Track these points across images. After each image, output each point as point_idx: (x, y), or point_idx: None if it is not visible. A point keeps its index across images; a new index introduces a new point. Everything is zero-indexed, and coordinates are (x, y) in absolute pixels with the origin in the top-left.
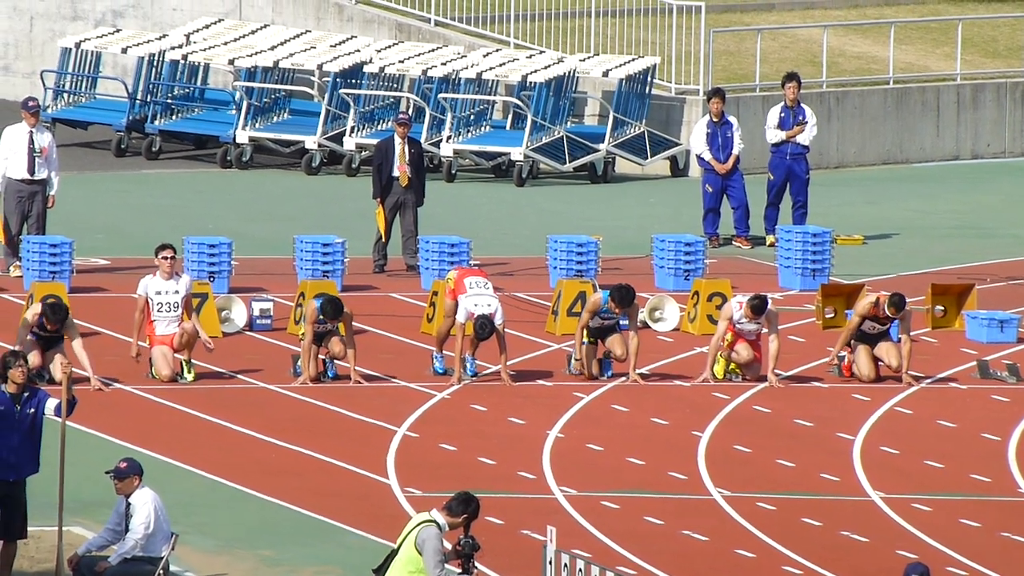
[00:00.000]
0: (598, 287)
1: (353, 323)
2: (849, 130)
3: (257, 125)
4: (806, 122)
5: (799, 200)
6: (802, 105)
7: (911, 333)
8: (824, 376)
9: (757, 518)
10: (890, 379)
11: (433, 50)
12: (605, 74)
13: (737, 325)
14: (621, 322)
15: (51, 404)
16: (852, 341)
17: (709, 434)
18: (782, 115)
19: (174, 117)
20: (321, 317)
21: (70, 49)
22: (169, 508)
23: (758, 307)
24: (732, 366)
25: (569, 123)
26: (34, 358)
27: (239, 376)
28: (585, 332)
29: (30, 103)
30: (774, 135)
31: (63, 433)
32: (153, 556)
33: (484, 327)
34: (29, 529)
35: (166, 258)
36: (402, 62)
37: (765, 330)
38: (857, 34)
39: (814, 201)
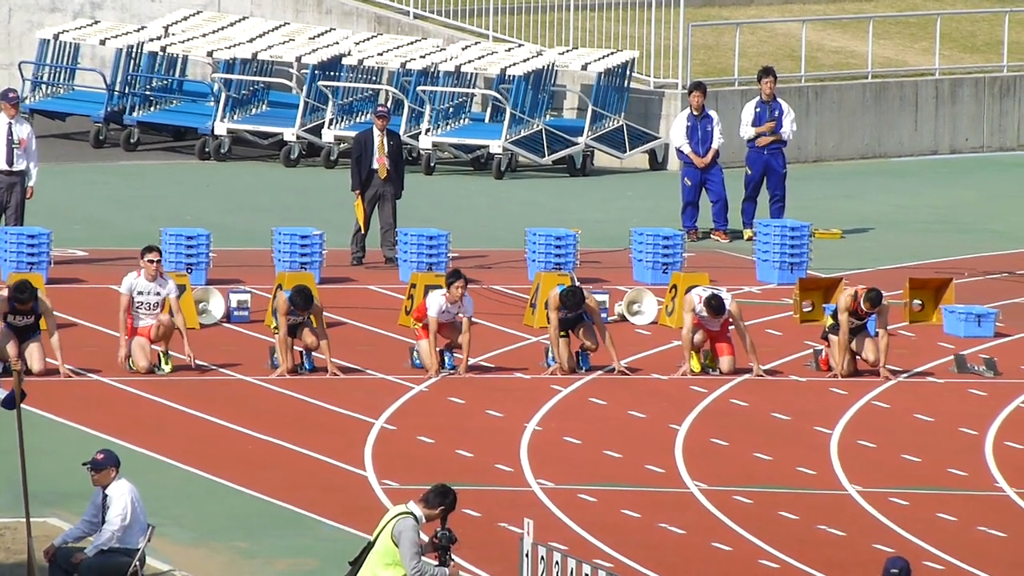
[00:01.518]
0: (576, 280)
1: (324, 314)
2: (827, 124)
3: (235, 117)
4: (774, 119)
5: (777, 194)
6: (778, 100)
7: (888, 327)
8: (801, 370)
9: (734, 511)
10: (867, 373)
11: (412, 43)
12: (584, 68)
13: (700, 316)
14: (584, 314)
15: (1, 394)
16: (828, 335)
17: (686, 427)
18: (757, 110)
19: (152, 109)
20: (291, 308)
21: (48, 40)
22: (146, 500)
23: (717, 308)
24: (709, 359)
25: (548, 116)
26: (11, 349)
27: (217, 368)
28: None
29: (11, 94)
30: (746, 131)
31: (19, 425)
32: (130, 548)
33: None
34: (5, 521)
35: (152, 261)
36: (381, 55)
37: (731, 327)
38: (836, 29)
39: (792, 195)
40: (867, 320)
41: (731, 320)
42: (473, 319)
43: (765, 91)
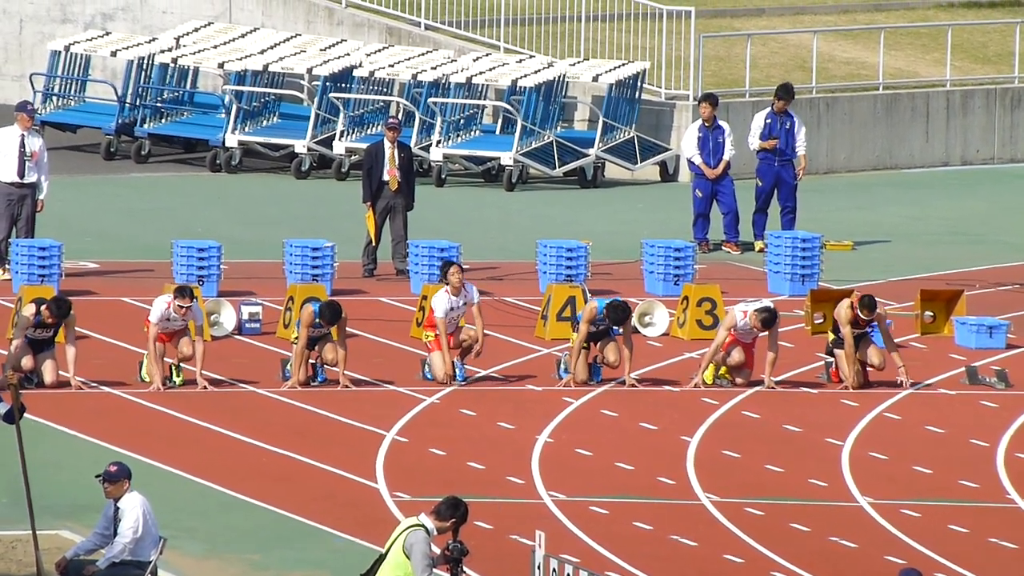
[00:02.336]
0: (588, 292)
1: (347, 328)
2: (839, 136)
3: (246, 129)
4: (777, 135)
5: (788, 206)
6: (790, 112)
7: (897, 340)
8: (812, 382)
9: (746, 523)
10: (879, 385)
11: (423, 54)
12: (595, 79)
13: (738, 332)
14: (613, 327)
15: (1, 408)
16: (834, 350)
17: (698, 439)
18: (768, 120)
19: (163, 120)
20: (318, 321)
21: (59, 52)
22: (157, 512)
23: (768, 320)
24: (722, 371)
25: (559, 128)
26: (26, 362)
27: (228, 380)
28: (576, 336)
29: (28, 107)
30: (753, 143)
31: (19, 438)
32: (141, 560)
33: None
34: (15, 534)
35: (181, 306)
36: (392, 66)
37: (763, 333)
38: (847, 39)
39: (803, 207)
40: (869, 329)
41: (770, 333)
42: (480, 302)
43: (778, 105)
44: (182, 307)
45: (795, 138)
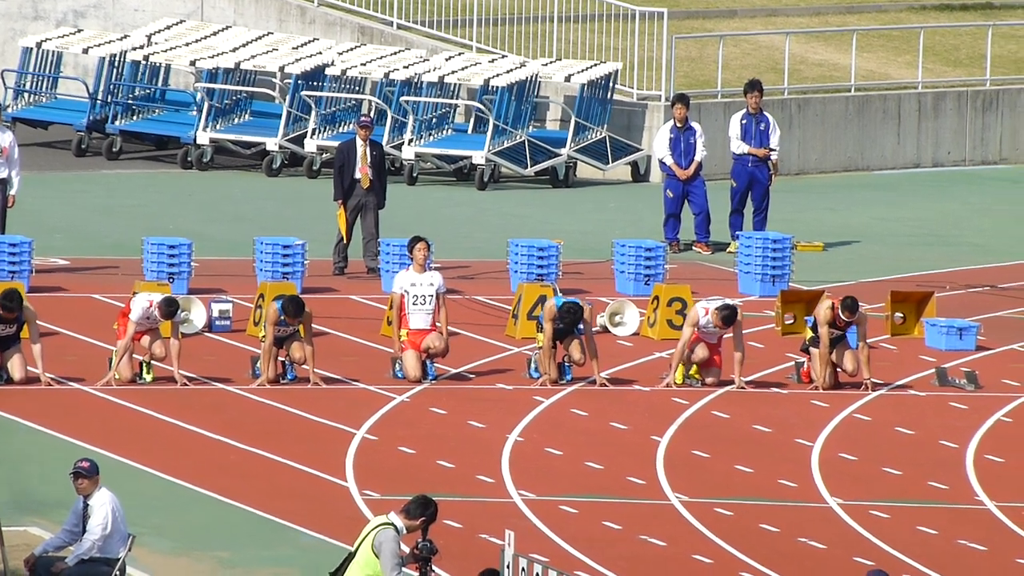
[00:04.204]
0: (559, 291)
1: (313, 325)
2: (810, 137)
3: (218, 126)
4: (773, 149)
5: (760, 206)
6: (764, 113)
7: (868, 339)
8: (783, 382)
9: (715, 523)
10: (849, 385)
11: (395, 53)
12: (567, 79)
13: (701, 330)
14: (579, 326)
15: None
16: (809, 348)
17: (668, 439)
18: (743, 122)
19: (135, 118)
20: (283, 318)
21: (31, 49)
22: (126, 509)
23: (728, 318)
24: (693, 371)
25: (531, 127)
26: None
27: (199, 377)
28: (542, 336)
29: None
30: (738, 146)
31: None
32: (110, 557)
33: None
34: None
35: (169, 315)
36: (364, 65)
37: (729, 335)
38: (819, 41)
39: (774, 207)
40: (847, 331)
41: (734, 331)
42: (444, 292)
43: (751, 104)
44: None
45: (769, 139)
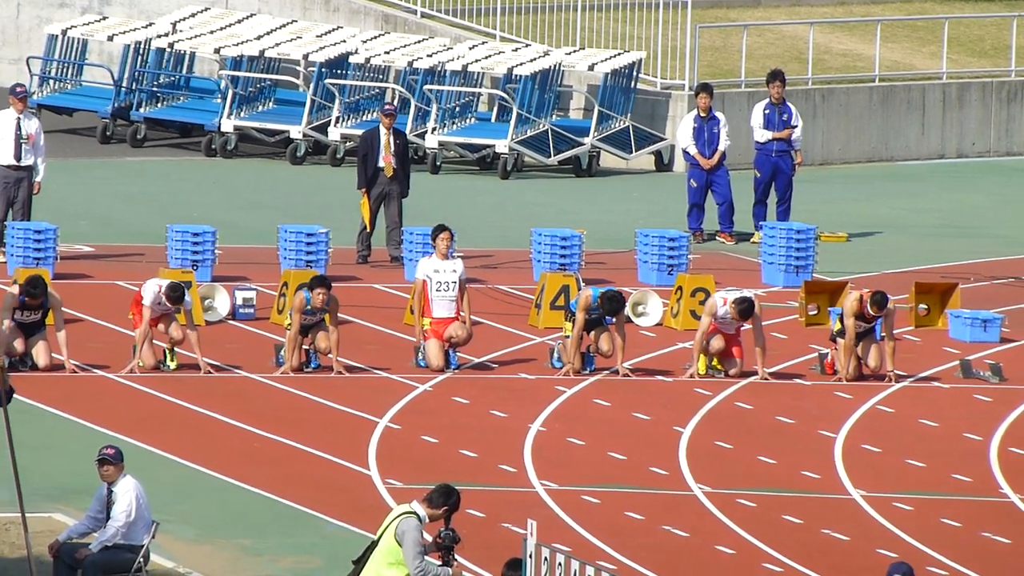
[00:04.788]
0: (581, 281)
1: (338, 313)
2: (834, 128)
3: (242, 114)
4: (794, 125)
5: (785, 196)
6: (787, 103)
7: (894, 332)
8: (806, 373)
9: (737, 514)
10: (873, 377)
11: (419, 41)
12: (591, 68)
13: (719, 321)
14: (607, 316)
15: None
16: (836, 338)
17: (691, 430)
18: (766, 112)
19: (159, 105)
20: (308, 297)
21: (56, 36)
22: (150, 496)
23: (745, 311)
24: (715, 362)
25: (554, 116)
26: (18, 345)
27: (222, 365)
28: (571, 325)
29: (18, 89)
30: (761, 134)
31: (7, 422)
32: (134, 544)
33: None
34: (7, 516)
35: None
36: (388, 53)
37: (748, 326)
38: (843, 31)
39: (798, 198)
40: (874, 324)
41: (751, 321)
42: (465, 279)
43: (774, 94)
44: (175, 306)
45: (793, 131)
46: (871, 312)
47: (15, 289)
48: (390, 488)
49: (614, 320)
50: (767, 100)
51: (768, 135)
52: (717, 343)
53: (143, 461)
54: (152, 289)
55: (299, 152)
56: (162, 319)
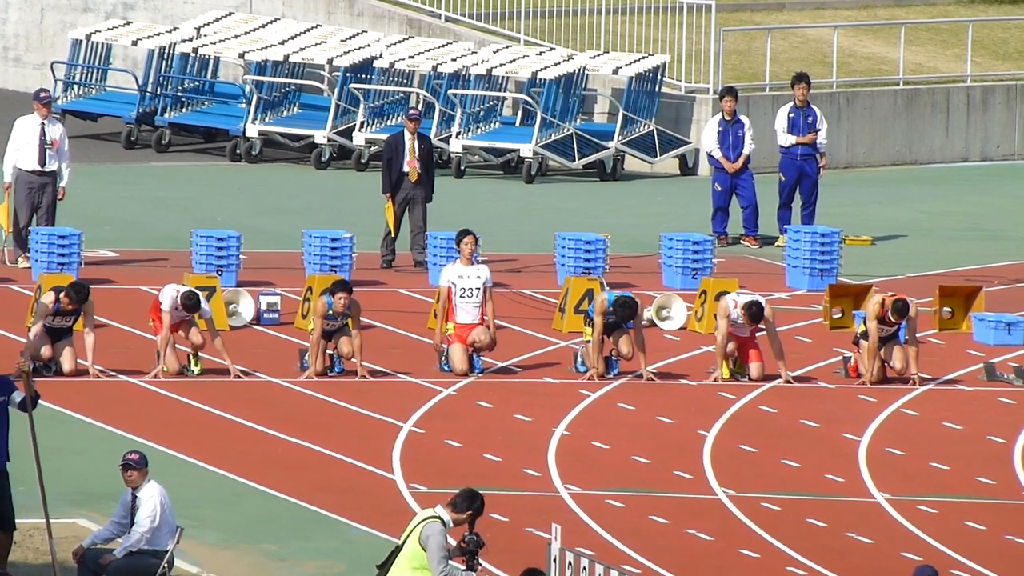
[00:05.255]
0: (606, 285)
1: (361, 318)
2: (859, 131)
3: (267, 119)
4: (818, 129)
5: (809, 199)
6: (811, 106)
7: (917, 335)
8: (830, 377)
9: (762, 518)
10: (896, 380)
11: (443, 46)
12: (615, 72)
13: (732, 324)
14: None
15: (16, 396)
16: (859, 341)
17: (715, 433)
18: (791, 115)
19: (184, 110)
20: (329, 302)
21: (81, 41)
22: (174, 501)
23: (755, 315)
24: (738, 366)
25: (578, 120)
26: (45, 350)
27: (246, 370)
28: (590, 329)
29: (42, 94)
30: (785, 139)
31: (32, 427)
32: (158, 549)
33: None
34: (32, 522)
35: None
36: (412, 57)
37: (762, 331)
38: (867, 35)
39: (823, 201)
40: (897, 328)
41: (764, 325)
42: (492, 286)
43: (799, 97)
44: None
45: (818, 134)
46: (892, 319)
47: (49, 297)
48: (414, 492)
49: (632, 323)
50: (791, 103)
51: (792, 139)
52: (730, 346)
53: (167, 466)
54: (170, 295)
55: (324, 157)
56: (182, 325)
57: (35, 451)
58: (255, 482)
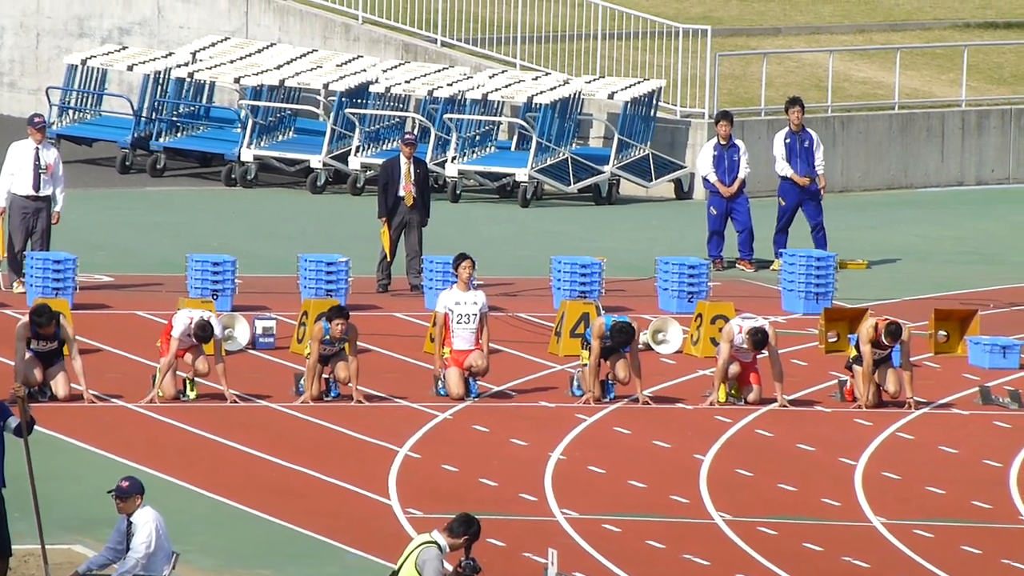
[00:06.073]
0: (601, 309)
1: (357, 342)
2: (854, 155)
3: (262, 143)
4: (816, 164)
5: (817, 222)
6: (807, 130)
7: (912, 359)
8: (826, 400)
9: (758, 542)
10: (892, 404)
11: (439, 70)
12: (610, 96)
13: (735, 349)
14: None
15: (12, 422)
16: (853, 366)
17: (711, 458)
18: (787, 141)
19: (179, 135)
20: (328, 337)
21: (76, 66)
22: (170, 527)
23: (759, 343)
24: (734, 390)
25: (574, 145)
26: (37, 374)
27: (242, 395)
28: (587, 353)
29: (36, 119)
30: (783, 167)
31: (27, 453)
32: (154, 575)
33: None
34: (27, 548)
35: (200, 344)
36: (408, 82)
37: (763, 354)
38: (863, 59)
39: (804, 227)
40: (891, 352)
41: (767, 348)
42: (488, 311)
43: (794, 121)
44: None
45: (814, 156)
46: (886, 342)
47: (25, 320)
48: (410, 517)
49: (629, 348)
50: (787, 129)
51: (789, 172)
52: (733, 368)
53: (163, 491)
54: (183, 321)
55: (319, 181)
56: (190, 350)
57: (31, 477)
58: (251, 507)
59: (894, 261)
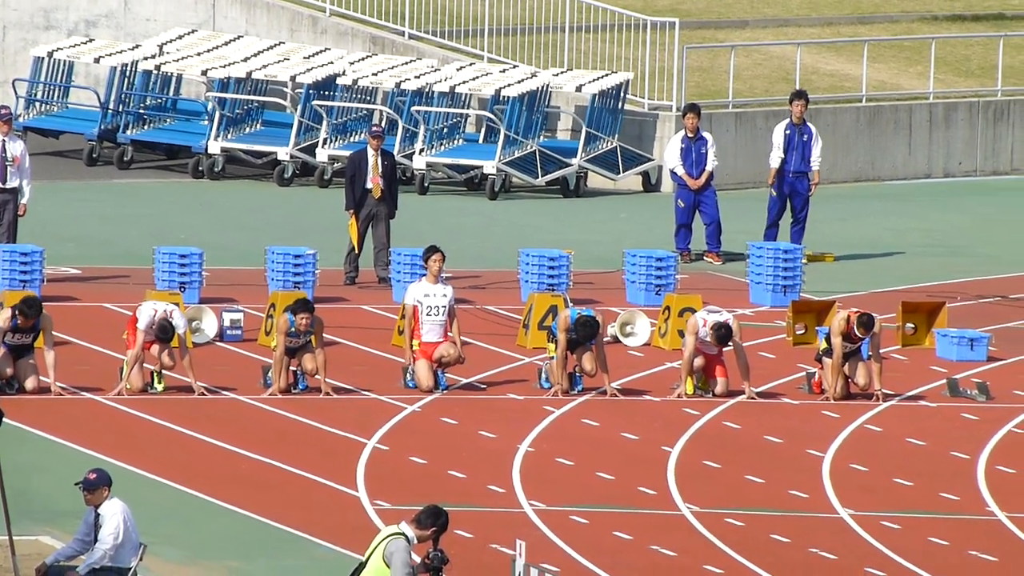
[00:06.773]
0: (569, 301)
1: (324, 334)
2: (822, 147)
3: (229, 136)
4: (809, 169)
5: (800, 216)
6: (808, 124)
7: (881, 351)
8: (794, 393)
9: (726, 534)
10: (860, 396)
11: (407, 63)
12: (578, 89)
13: (700, 341)
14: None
15: None
16: (823, 358)
17: (679, 449)
18: (787, 132)
19: (146, 127)
20: (293, 330)
21: (42, 58)
22: (138, 518)
23: (723, 337)
24: (702, 382)
25: (542, 137)
26: (8, 368)
27: (210, 387)
28: (554, 346)
29: (2, 112)
30: (776, 158)
31: None
32: (122, 567)
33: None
34: None
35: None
36: (375, 74)
37: (728, 347)
38: (831, 52)
39: (786, 218)
40: (861, 344)
41: (731, 342)
42: (456, 305)
43: (796, 113)
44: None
45: (811, 150)
46: (858, 334)
47: (5, 314)
48: (378, 509)
49: (595, 340)
50: (788, 120)
51: (776, 163)
52: (699, 362)
53: (131, 483)
54: (148, 312)
55: (286, 173)
56: (157, 342)
57: None
58: (219, 499)
59: (862, 254)
